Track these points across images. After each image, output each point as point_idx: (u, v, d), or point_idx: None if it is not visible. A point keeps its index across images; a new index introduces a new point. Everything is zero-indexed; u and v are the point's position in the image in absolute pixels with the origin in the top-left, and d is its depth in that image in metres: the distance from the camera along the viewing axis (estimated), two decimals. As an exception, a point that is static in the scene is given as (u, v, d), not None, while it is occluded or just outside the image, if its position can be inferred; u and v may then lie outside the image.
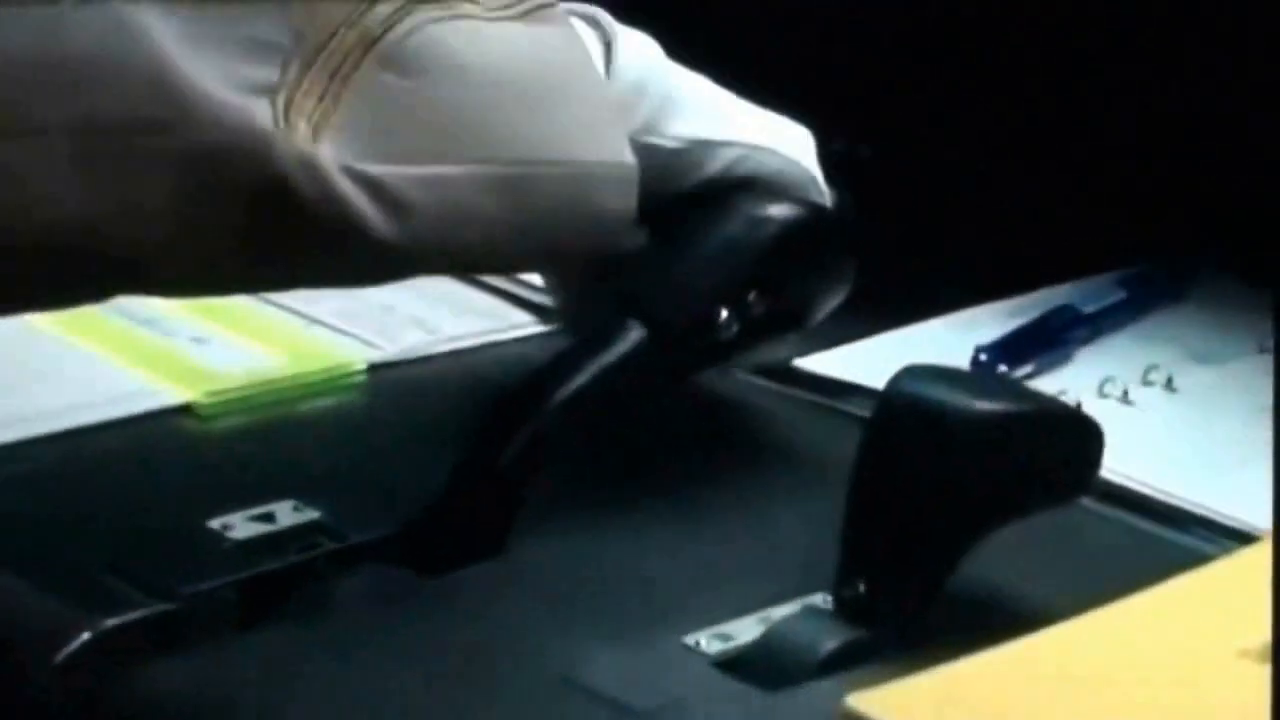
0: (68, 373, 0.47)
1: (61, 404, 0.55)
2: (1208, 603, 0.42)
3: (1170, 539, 0.51)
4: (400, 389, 0.61)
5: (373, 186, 0.43)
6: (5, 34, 0.40)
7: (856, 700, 0.38)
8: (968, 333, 0.66)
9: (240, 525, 0.49)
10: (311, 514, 0.49)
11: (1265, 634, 0.31)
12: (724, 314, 0.52)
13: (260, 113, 0.42)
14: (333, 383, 0.59)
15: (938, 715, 0.38)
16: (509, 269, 0.57)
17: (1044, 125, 0.81)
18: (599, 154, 0.48)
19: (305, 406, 0.60)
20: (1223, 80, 0.76)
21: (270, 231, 0.42)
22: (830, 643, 0.42)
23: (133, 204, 0.40)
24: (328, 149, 0.42)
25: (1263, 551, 0.39)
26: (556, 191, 0.48)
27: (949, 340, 0.66)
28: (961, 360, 0.62)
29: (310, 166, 0.41)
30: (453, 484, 0.48)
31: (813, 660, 0.42)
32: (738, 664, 0.43)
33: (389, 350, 0.61)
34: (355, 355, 0.60)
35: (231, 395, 0.57)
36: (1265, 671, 0.31)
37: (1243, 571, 0.43)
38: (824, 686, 0.41)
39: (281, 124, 0.42)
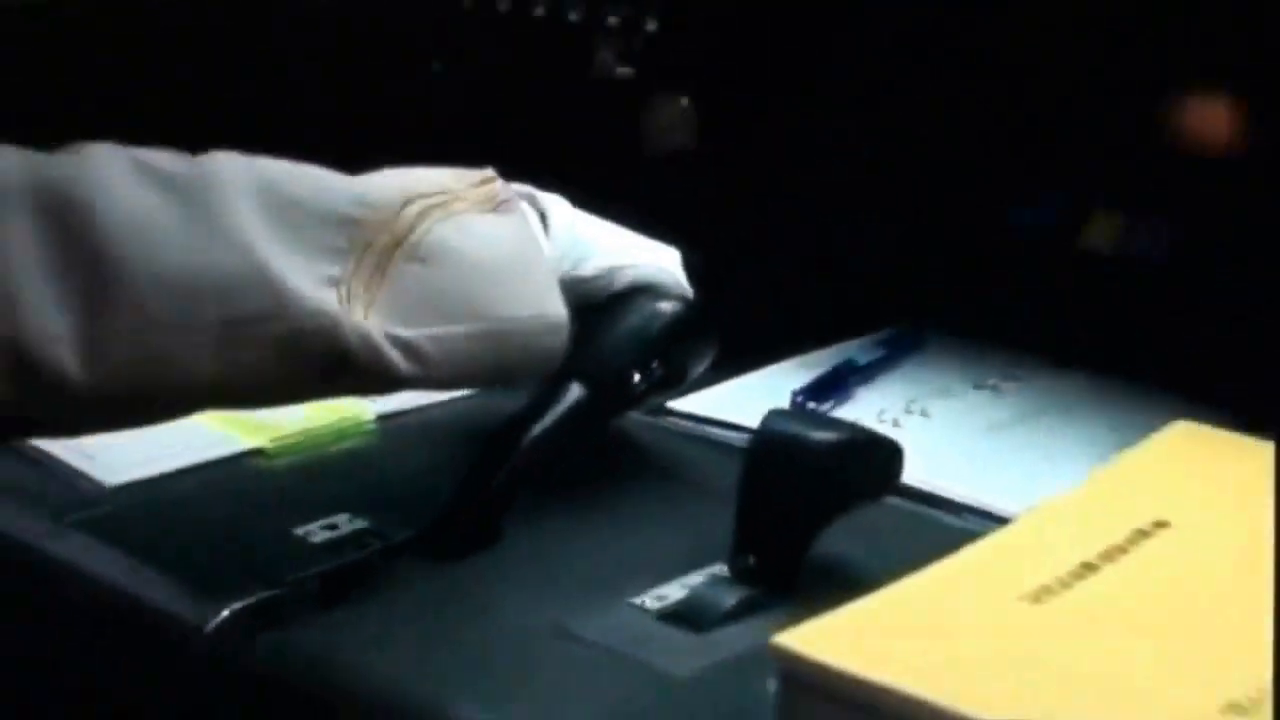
0: (178, 431, 0.65)
1: (176, 449, 0.74)
2: (1002, 559, 0.58)
3: (946, 521, 0.71)
4: (404, 432, 0.81)
5: (402, 345, 0.62)
6: (163, 255, 0.57)
7: (783, 639, 0.50)
8: (784, 380, 0.89)
9: (316, 533, 0.67)
10: (362, 523, 0.68)
11: (1040, 582, 0.53)
12: (636, 377, 0.73)
13: (330, 300, 0.60)
14: (356, 429, 0.80)
15: (845, 645, 0.50)
16: (484, 386, 0.77)
17: (822, 229, 1.04)
18: (544, 309, 0.68)
19: (340, 447, 0.79)
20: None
21: (335, 381, 0.62)
22: (732, 599, 0.60)
23: (246, 371, 0.59)
24: (375, 322, 0.61)
25: (1018, 529, 0.61)
26: (521, 338, 0.67)
27: (772, 386, 0.89)
28: (782, 400, 0.84)
29: (365, 337, 0.60)
30: (458, 499, 0.67)
31: (722, 611, 0.60)
32: (671, 616, 0.61)
33: (391, 404, 0.80)
34: (366, 409, 0.81)
35: (289, 440, 0.77)
36: (1038, 610, 0.51)
37: (1014, 541, 0.60)
38: (731, 629, 0.59)
39: (345, 306, 0.60)
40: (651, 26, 1.02)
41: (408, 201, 0.65)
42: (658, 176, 1.04)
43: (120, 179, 0.59)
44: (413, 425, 0.82)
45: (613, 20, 1.02)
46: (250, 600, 0.61)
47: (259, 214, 0.60)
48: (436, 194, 0.66)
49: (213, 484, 0.75)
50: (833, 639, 0.50)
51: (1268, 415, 0.61)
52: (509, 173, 0.72)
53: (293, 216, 0.61)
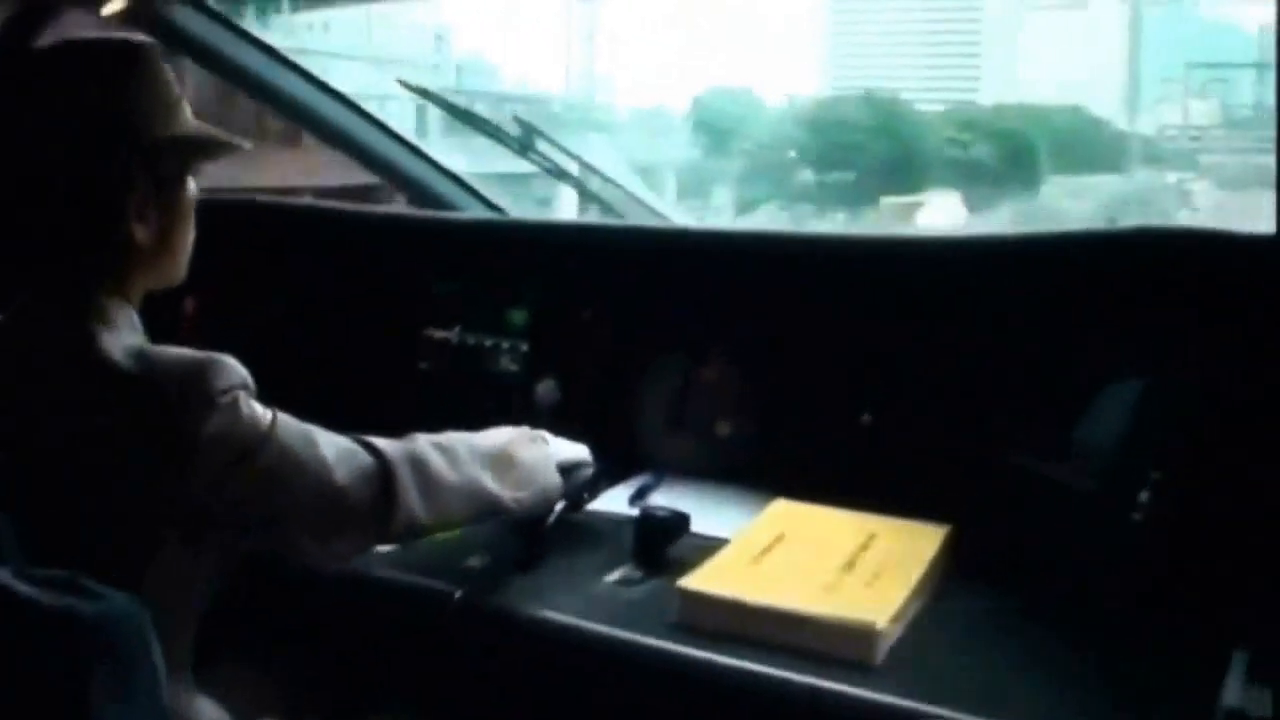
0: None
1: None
2: (744, 547, 1.53)
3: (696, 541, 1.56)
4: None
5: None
6: (448, 478, 1.40)
7: (687, 581, 1.42)
8: (624, 493, 1.77)
9: (471, 560, 1.54)
10: (487, 558, 1.56)
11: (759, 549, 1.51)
12: (586, 498, 1.65)
13: (501, 491, 1.45)
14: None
15: (729, 579, 1.43)
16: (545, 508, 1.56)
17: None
18: (553, 482, 1.53)
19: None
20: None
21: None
22: (639, 574, 1.54)
23: (470, 519, 1.47)
24: (508, 493, 1.47)
25: (745, 533, 1.55)
26: (551, 492, 1.53)
27: (619, 496, 1.76)
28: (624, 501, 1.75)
29: (519, 500, 1.49)
30: (528, 548, 1.57)
31: (641, 578, 1.53)
32: (620, 581, 1.52)
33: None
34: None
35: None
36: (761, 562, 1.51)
37: (749, 537, 1.53)
38: (649, 584, 1.51)
39: (500, 487, 1.45)
40: (524, 348, 2.00)
41: (510, 442, 1.51)
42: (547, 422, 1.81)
43: (428, 449, 1.39)
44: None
45: (505, 344, 2.00)
46: (463, 590, 1.48)
47: (469, 457, 1.43)
48: (517, 438, 1.53)
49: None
50: (717, 576, 1.45)
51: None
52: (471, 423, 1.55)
53: (481, 458, 1.45)
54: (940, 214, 6.13)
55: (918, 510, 1.62)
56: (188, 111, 1.38)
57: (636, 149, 7.25)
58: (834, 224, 6.65)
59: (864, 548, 1.55)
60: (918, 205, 6.43)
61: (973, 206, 6.48)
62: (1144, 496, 1.43)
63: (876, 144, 6.97)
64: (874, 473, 1.70)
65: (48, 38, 1.85)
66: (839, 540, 1.57)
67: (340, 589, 1.55)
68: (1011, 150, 6.98)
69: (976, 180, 6.71)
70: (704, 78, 7.35)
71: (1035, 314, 1.65)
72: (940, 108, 7.76)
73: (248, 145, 1.44)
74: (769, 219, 6.43)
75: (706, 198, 7.07)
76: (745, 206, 6.91)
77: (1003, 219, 6.37)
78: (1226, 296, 1.52)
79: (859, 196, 6.73)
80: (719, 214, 6.73)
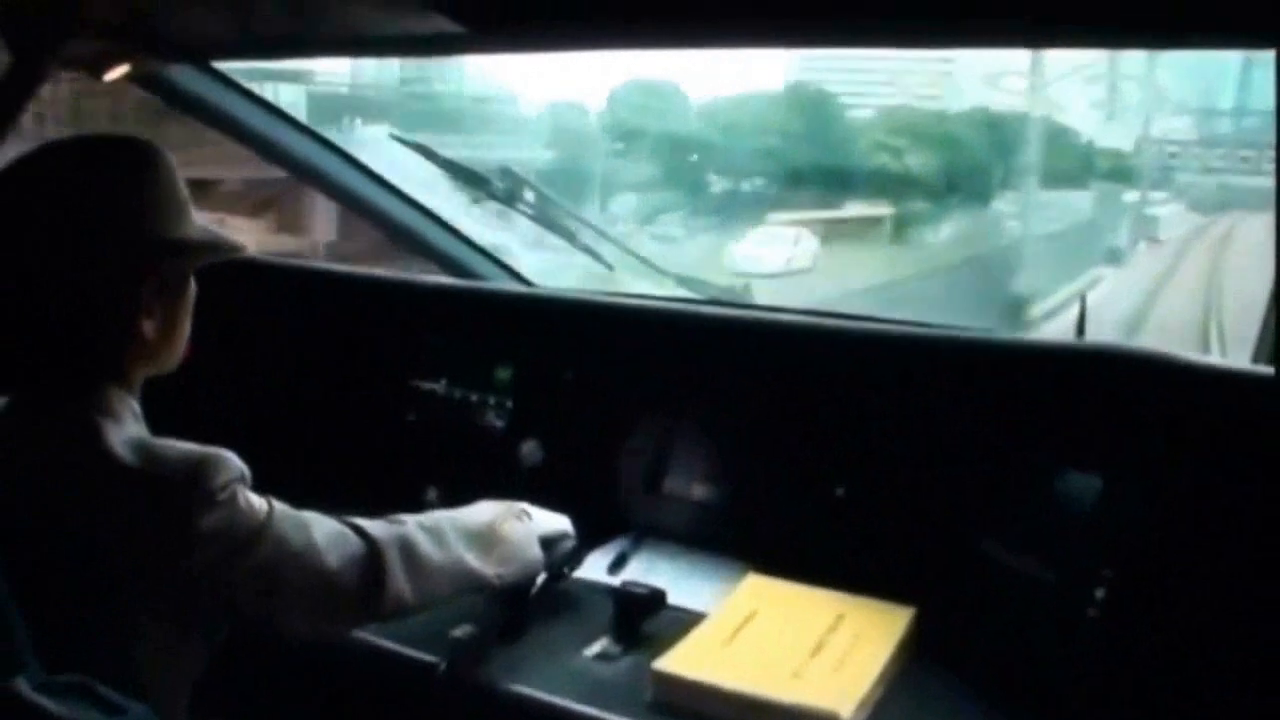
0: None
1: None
2: (720, 622, 1.61)
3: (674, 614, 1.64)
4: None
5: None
6: (435, 558, 1.42)
7: (661, 663, 1.49)
8: (603, 561, 1.82)
9: (456, 631, 1.56)
10: (471, 628, 1.58)
11: (732, 628, 1.57)
12: (567, 571, 1.70)
13: (484, 569, 1.49)
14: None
15: (701, 661, 1.50)
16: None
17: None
18: (536, 556, 1.58)
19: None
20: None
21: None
22: (617, 650, 1.59)
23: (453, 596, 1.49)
24: (490, 569, 1.49)
25: (722, 610, 1.61)
26: (532, 566, 1.57)
27: (599, 564, 1.80)
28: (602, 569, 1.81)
29: (500, 576, 1.51)
30: (500, 622, 1.62)
31: (616, 654, 1.58)
32: (599, 656, 1.57)
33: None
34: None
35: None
36: (736, 642, 1.56)
37: (724, 614, 1.61)
38: (627, 659, 1.57)
39: (485, 565, 1.49)
40: (509, 405, 2.05)
41: (493, 519, 1.55)
42: (529, 481, 1.92)
43: (415, 531, 1.43)
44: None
45: (491, 400, 2.05)
46: (448, 658, 1.54)
47: (454, 537, 1.47)
48: (501, 515, 1.57)
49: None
50: (692, 656, 1.51)
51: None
52: (455, 486, 1.66)
53: (466, 537, 1.48)
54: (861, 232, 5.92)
55: (886, 588, 1.68)
56: (193, 213, 1.42)
57: (542, 147, 6.78)
58: (735, 237, 6.21)
59: (832, 629, 1.60)
60: (811, 222, 6.13)
61: (901, 225, 6.10)
62: (1100, 593, 1.49)
63: (800, 149, 6.46)
64: (845, 547, 1.76)
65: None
66: (809, 620, 1.63)
67: (326, 658, 1.60)
68: (956, 160, 6.42)
69: (911, 193, 6.28)
70: (625, 70, 6.22)
71: (1004, 409, 1.71)
72: (874, 109, 7.07)
73: (244, 246, 1.48)
74: (668, 230, 6.20)
75: (606, 204, 6.32)
76: (647, 217, 6.49)
77: (928, 241, 6.03)
78: (1177, 418, 1.59)
79: (771, 206, 6.31)
80: (615, 223, 5.89)
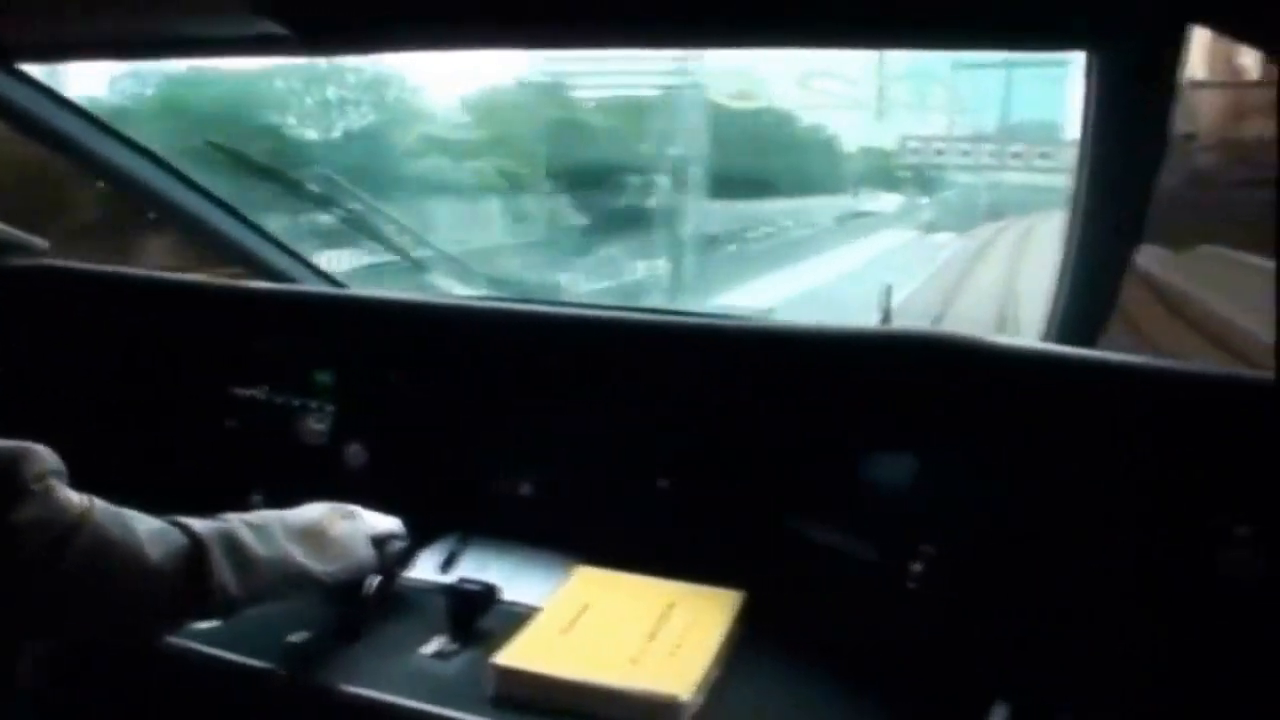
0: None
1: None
2: (554, 615, 1.61)
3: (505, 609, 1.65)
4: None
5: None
6: (261, 553, 1.38)
7: (501, 658, 1.49)
8: (435, 556, 1.84)
9: (293, 636, 1.55)
10: (307, 633, 1.58)
11: (569, 619, 1.57)
12: (399, 570, 1.68)
13: (313, 564, 1.46)
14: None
15: (540, 653, 1.51)
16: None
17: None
18: (367, 555, 1.57)
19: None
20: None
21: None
22: (454, 646, 1.59)
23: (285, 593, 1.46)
24: (321, 569, 1.47)
25: (553, 603, 1.62)
26: (367, 564, 1.57)
27: (432, 561, 1.81)
28: (434, 567, 1.81)
29: (331, 574, 1.49)
30: (336, 625, 1.60)
31: (456, 650, 1.57)
32: (438, 656, 1.56)
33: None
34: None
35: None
36: (573, 631, 1.57)
37: (555, 606, 1.62)
38: (464, 656, 1.56)
39: (316, 564, 1.47)
40: (331, 409, 2.02)
41: (321, 518, 1.53)
42: (355, 484, 1.90)
43: (240, 526, 1.40)
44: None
45: (313, 405, 2.02)
46: (298, 648, 1.52)
47: (281, 534, 1.44)
48: (329, 514, 1.56)
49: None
50: (529, 649, 1.51)
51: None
52: (280, 493, 1.63)
53: (294, 534, 1.46)
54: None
55: (714, 575, 1.71)
56: None
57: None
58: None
59: (665, 616, 1.62)
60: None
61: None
62: (917, 567, 1.56)
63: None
64: (672, 537, 1.78)
65: None
66: (641, 608, 1.64)
67: (161, 667, 1.57)
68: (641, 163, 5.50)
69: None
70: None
71: (820, 395, 1.75)
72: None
73: (44, 244, 1.43)
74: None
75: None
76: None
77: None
78: (985, 397, 1.66)
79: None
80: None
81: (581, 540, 1.83)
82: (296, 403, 2.08)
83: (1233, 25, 1.37)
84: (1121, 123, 1.59)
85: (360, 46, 1.81)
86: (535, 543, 1.88)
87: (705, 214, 5.52)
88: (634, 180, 5.32)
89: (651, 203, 5.27)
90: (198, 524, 1.37)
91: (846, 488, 1.70)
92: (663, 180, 5.25)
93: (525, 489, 1.93)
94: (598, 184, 5.23)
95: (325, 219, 2.31)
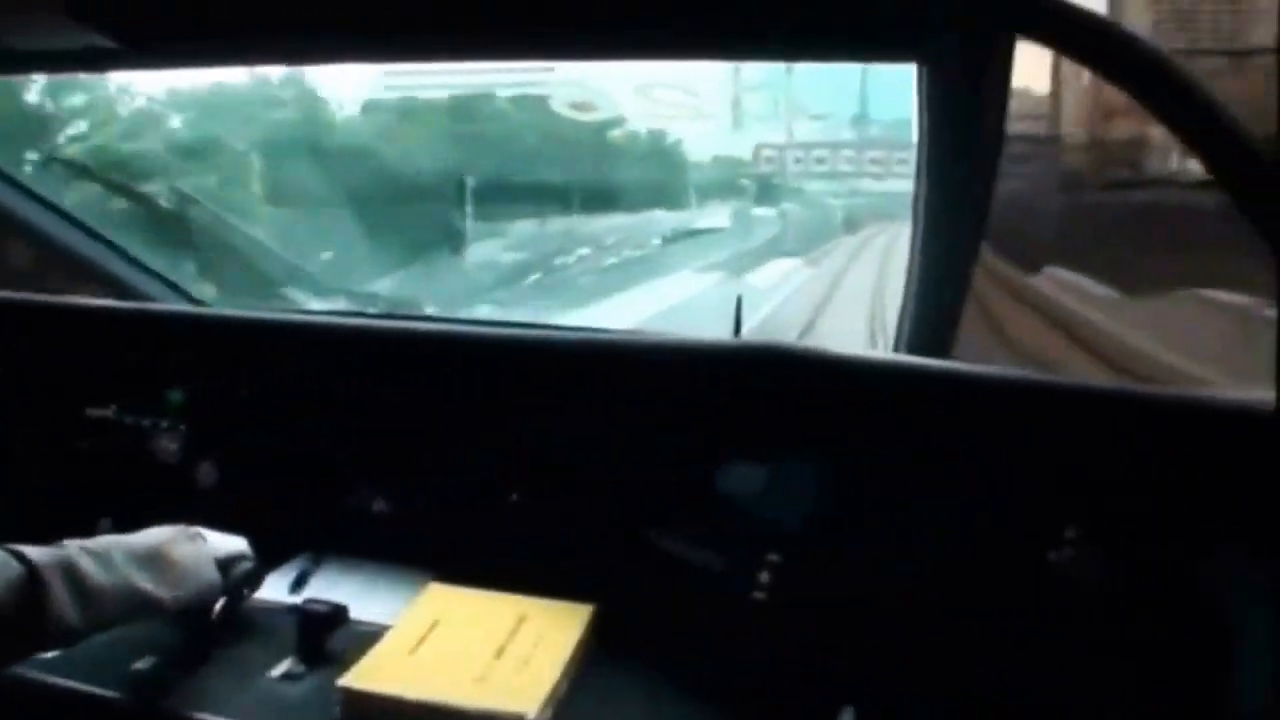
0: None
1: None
2: (402, 634, 1.61)
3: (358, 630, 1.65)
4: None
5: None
6: (101, 580, 1.36)
7: (346, 680, 1.47)
8: (285, 577, 1.83)
9: (138, 663, 1.54)
10: (153, 659, 1.56)
11: (418, 637, 1.57)
12: (246, 592, 1.66)
13: (155, 589, 1.43)
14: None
15: (386, 674, 1.50)
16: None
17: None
18: (213, 578, 1.56)
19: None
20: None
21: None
22: (300, 669, 1.57)
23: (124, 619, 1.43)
24: (164, 593, 1.45)
25: (402, 623, 1.62)
26: (216, 590, 1.56)
27: (282, 582, 1.79)
28: (285, 587, 1.79)
29: (177, 599, 1.47)
30: (182, 650, 1.59)
31: (304, 672, 1.57)
32: (286, 678, 1.54)
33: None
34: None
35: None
36: (421, 651, 1.56)
37: (405, 626, 1.61)
38: (312, 678, 1.55)
39: (160, 589, 1.44)
40: (183, 428, 1.99)
41: (164, 541, 1.51)
42: (206, 504, 1.89)
43: (79, 554, 1.37)
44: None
45: (164, 424, 1.98)
46: (144, 675, 1.49)
47: (121, 560, 1.41)
48: (173, 537, 1.54)
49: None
50: (362, 677, 1.51)
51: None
52: (130, 515, 1.60)
53: (136, 559, 1.43)
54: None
55: (566, 588, 1.71)
56: None
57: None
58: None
59: (514, 631, 1.63)
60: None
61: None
62: (765, 576, 1.57)
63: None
64: (525, 552, 1.78)
65: None
66: (491, 625, 1.64)
67: (1, 698, 1.52)
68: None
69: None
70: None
71: (671, 406, 1.76)
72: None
73: None
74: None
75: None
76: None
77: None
78: (824, 409, 1.70)
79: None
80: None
81: (436, 556, 1.82)
82: (148, 422, 2.04)
83: (1052, 38, 1.39)
84: (954, 132, 1.62)
85: (192, 59, 1.77)
86: (389, 560, 1.87)
87: (511, 235, 5.31)
88: (430, 199, 4.93)
89: (450, 223, 4.86)
90: (34, 552, 1.34)
91: (696, 499, 1.72)
92: (462, 197, 4.87)
93: (379, 505, 1.91)
94: (414, 200, 4.85)
95: (178, 233, 2.24)
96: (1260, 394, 1.39)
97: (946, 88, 1.57)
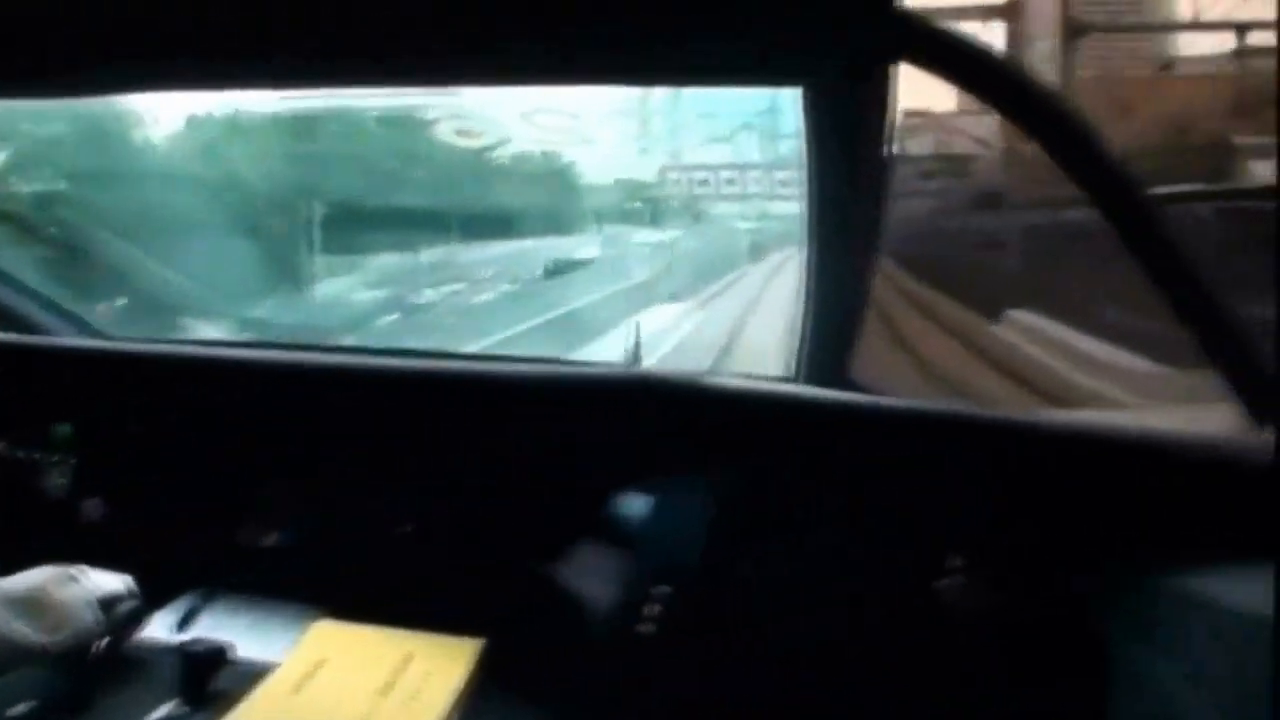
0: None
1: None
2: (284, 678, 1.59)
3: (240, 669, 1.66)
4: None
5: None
6: None
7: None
8: (171, 615, 1.80)
9: (15, 709, 1.49)
10: (30, 703, 1.52)
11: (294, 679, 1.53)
12: (129, 632, 1.62)
13: (31, 634, 1.42)
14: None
15: (268, 715, 1.48)
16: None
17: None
18: (91, 620, 1.52)
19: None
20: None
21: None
22: (187, 709, 1.55)
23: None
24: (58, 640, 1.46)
25: (285, 666, 1.61)
26: (96, 630, 1.52)
27: (168, 620, 1.76)
28: (170, 625, 1.76)
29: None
30: (61, 694, 1.55)
31: (187, 714, 1.54)
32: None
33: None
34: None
35: None
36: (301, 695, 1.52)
37: (289, 668, 1.60)
38: (200, 716, 1.53)
39: (44, 637, 1.44)
40: (73, 461, 1.94)
41: (43, 583, 1.49)
42: (93, 540, 1.87)
43: None
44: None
45: (53, 459, 1.93)
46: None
47: None
48: (52, 579, 1.52)
49: None
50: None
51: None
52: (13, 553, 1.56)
53: (13, 604, 1.42)
54: None
55: (456, 623, 1.69)
56: None
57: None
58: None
59: (401, 668, 1.61)
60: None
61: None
62: (652, 609, 1.55)
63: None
64: (415, 585, 1.75)
65: None
66: (378, 661, 1.62)
67: None
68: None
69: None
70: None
71: (559, 438, 1.75)
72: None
73: None
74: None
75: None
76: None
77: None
78: (720, 438, 1.70)
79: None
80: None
81: (327, 592, 1.79)
82: (36, 456, 1.99)
83: (936, 65, 1.40)
84: (840, 156, 1.61)
85: (53, 91, 1.73)
86: (280, 596, 1.83)
87: (371, 268, 4.93)
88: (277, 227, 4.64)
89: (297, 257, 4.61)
90: None
91: (585, 531, 1.71)
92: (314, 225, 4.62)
93: (270, 540, 1.88)
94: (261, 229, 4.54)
95: (67, 262, 2.20)
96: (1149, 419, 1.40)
97: (830, 112, 1.56)
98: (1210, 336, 1.45)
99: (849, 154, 1.61)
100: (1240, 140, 8.57)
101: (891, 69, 1.49)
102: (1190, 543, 1.37)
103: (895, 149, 1.61)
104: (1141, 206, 1.41)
